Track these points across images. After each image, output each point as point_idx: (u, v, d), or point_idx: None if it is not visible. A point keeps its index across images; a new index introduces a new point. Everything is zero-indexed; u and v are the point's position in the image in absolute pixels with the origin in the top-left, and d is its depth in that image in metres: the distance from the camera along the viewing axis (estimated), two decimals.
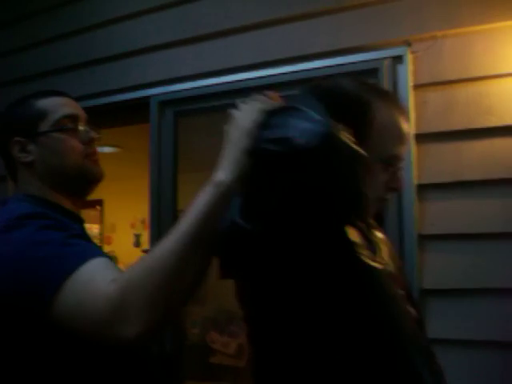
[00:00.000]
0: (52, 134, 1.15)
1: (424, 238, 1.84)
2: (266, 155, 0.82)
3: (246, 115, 0.90)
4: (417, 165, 1.86)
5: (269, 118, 0.85)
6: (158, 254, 0.86)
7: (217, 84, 2.23)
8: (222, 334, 3.36)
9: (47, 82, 2.63)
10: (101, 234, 6.79)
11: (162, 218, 2.33)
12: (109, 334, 0.85)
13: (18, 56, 2.80)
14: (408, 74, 1.88)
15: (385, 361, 0.82)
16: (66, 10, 2.66)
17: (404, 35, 1.91)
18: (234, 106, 0.97)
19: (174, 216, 2.33)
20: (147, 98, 2.39)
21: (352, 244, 0.82)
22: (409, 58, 1.89)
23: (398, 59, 1.91)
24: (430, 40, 1.87)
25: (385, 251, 1.08)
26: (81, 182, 1.19)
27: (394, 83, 1.90)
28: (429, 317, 1.80)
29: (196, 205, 0.88)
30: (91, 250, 0.99)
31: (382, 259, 0.89)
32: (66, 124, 1.17)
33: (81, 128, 1.19)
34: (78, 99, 1.28)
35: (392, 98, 1.07)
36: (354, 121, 0.92)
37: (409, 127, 1.06)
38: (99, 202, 6.70)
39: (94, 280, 0.88)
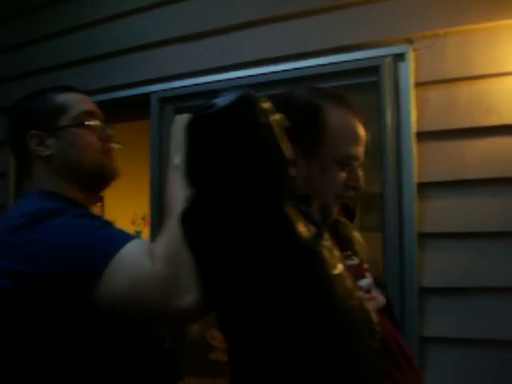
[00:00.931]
0: (72, 129, 1.16)
1: (424, 237, 1.84)
2: (194, 122, 0.88)
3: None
4: (417, 163, 1.85)
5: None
6: (171, 237, 0.90)
7: (217, 81, 2.22)
8: None
9: (47, 78, 2.63)
10: None
11: (162, 214, 2.32)
12: (168, 310, 0.88)
13: (19, 52, 2.80)
14: (409, 72, 1.88)
15: (315, 339, 0.84)
16: (65, 7, 2.66)
17: (406, 33, 1.91)
18: None
19: None
20: (148, 94, 2.39)
21: (287, 219, 0.84)
22: (410, 56, 1.88)
23: (400, 57, 1.90)
24: (431, 38, 1.87)
25: (358, 246, 1.18)
26: (98, 178, 1.20)
27: (396, 81, 1.90)
28: (427, 315, 1.80)
29: (174, 188, 0.93)
30: (125, 233, 1.02)
31: (328, 242, 0.90)
32: (85, 120, 1.18)
33: (99, 125, 1.20)
34: None
35: (346, 102, 1.12)
36: (307, 126, 1.03)
37: (363, 129, 1.11)
38: (100, 199, 6.69)
39: (137, 260, 0.91)
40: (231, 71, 2.20)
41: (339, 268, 0.90)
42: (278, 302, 0.83)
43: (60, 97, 1.18)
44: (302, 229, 0.86)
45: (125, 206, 6.49)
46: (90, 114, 1.20)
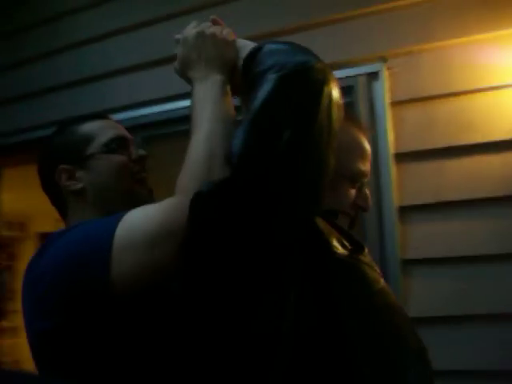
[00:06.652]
0: (100, 156, 1.07)
1: (407, 263, 1.76)
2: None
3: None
4: (397, 186, 1.78)
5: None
6: (195, 159, 0.87)
7: (184, 107, 2.13)
8: None
9: (6, 111, 2.53)
10: None
11: None
12: None
13: None
14: (384, 91, 1.81)
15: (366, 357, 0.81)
16: (25, 36, 2.59)
17: (379, 51, 1.85)
18: None
19: None
20: None
21: (322, 232, 0.83)
22: (385, 74, 1.82)
23: (374, 76, 1.84)
24: (406, 55, 1.81)
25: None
26: (131, 206, 1.10)
27: (371, 101, 1.83)
28: None
29: (206, 100, 0.91)
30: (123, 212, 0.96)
31: (368, 257, 0.90)
32: (114, 145, 1.09)
33: (130, 149, 1.12)
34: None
35: (352, 116, 1.11)
36: None
37: (369, 145, 1.09)
38: None
39: (146, 214, 0.89)
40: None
41: (381, 282, 0.90)
42: (308, 321, 0.79)
43: (85, 126, 1.11)
44: (336, 243, 0.85)
45: None
46: (120, 140, 1.11)
